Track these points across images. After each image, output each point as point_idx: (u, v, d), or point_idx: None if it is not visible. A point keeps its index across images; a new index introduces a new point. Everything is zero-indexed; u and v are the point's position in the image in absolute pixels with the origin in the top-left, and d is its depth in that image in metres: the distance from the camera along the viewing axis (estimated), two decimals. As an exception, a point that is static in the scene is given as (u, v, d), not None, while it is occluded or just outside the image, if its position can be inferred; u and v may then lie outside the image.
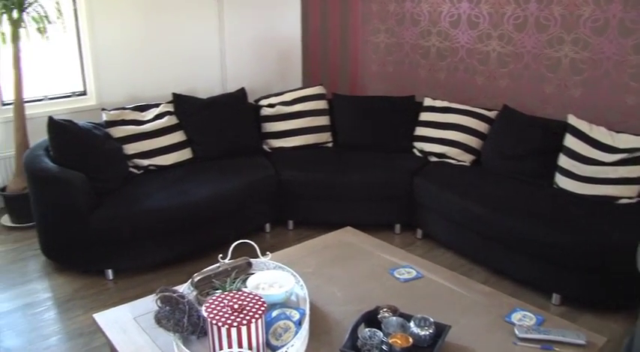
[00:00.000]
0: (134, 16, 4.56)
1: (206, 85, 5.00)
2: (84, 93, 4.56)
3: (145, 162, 3.79)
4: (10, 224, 3.99)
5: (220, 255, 2.41)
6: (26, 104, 4.13)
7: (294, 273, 2.25)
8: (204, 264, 3.39)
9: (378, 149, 4.22)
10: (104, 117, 3.78)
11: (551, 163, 3.51)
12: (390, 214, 3.89)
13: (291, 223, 4.00)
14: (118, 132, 3.75)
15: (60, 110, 4.38)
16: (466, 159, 3.91)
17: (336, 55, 5.34)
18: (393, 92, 4.92)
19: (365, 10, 4.98)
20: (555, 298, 3.06)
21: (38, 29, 3.75)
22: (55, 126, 3.34)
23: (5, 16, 3.61)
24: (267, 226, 3.95)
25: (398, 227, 3.92)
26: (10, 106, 4.03)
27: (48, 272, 3.40)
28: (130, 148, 3.76)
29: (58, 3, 3.83)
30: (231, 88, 4.95)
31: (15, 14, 3.63)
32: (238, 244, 2.45)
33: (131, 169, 3.75)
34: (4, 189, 4.03)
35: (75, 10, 4.33)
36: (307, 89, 4.47)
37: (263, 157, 4.09)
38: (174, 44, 4.80)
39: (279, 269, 2.30)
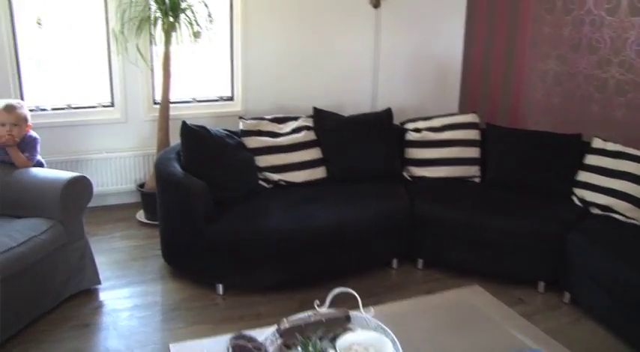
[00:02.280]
0: (288, 26, 4.50)
1: (354, 101, 4.79)
2: (231, 99, 4.59)
3: (276, 176, 3.65)
4: (143, 219, 4.09)
5: (317, 301, 2.13)
6: (174, 105, 4.24)
7: (396, 340, 1.90)
8: (317, 294, 3.09)
9: (531, 191, 3.66)
10: (241, 125, 3.71)
11: None
12: (535, 269, 3.34)
13: (420, 262, 3.61)
14: (252, 142, 3.66)
15: (206, 113, 4.44)
16: (637, 216, 3.24)
17: (497, 81, 4.83)
18: (556, 128, 4.28)
19: (535, 32, 4.43)
20: None
21: (192, 34, 3.76)
22: (187, 130, 3.32)
23: (160, 20, 3.67)
24: (395, 262, 3.60)
25: (542, 285, 3.35)
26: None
27: (163, 275, 3.37)
28: (263, 160, 3.64)
29: (209, 11, 3.80)
30: (381, 106, 4.66)
31: (169, 18, 3.68)
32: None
33: (261, 182, 3.63)
34: (142, 185, 4.13)
35: (231, 18, 4.36)
36: (459, 116, 4.06)
37: (401, 185, 3.75)
38: (325, 56, 4.67)
39: (380, 331, 1.96)
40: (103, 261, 3.46)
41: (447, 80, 5.13)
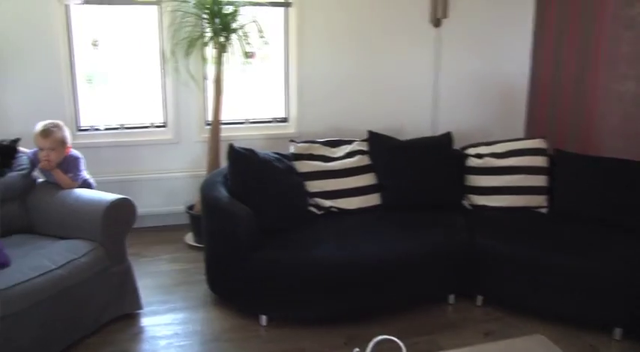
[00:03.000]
0: (344, 46, 4.40)
1: (413, 124, 4.60)
2: (285, 121, 4.50)
3: (327, 202, 3.49)
4: (192, 242, 4.01)
5: (357, 350, 1.93)
6: (226, 126, 4.19)
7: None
8: (364, 331, 2.96)
9: (604, 225, 3.34)
10: (292, 149, 3.60)
11: None
12: (611, 313, 3.00)
13: (480, 299, 3.34)
14: (303, 166, 3.53)
15: (258, 135, 4.37)
16: None
17: (567, 103, 4.51)
18: (637, 155, 3.92)
19: (612, 51, 4.10)
20: None
21: (244, 54, 3.69)
22: (234, 154, 3.22)
23: (211, 40, 3.62)
24: (451, 297, 3.35)
25: (618, 332, 3.01)
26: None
27: (206, 302, 3.26)
28: (314, 186, 3.50)
29: (261, 31, 3.72)
30: (442, 130, 4.43)
31: (221, 38, 3.62)
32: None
33: (311, 208, 3.48)
34: (192, 207, 4.06)
35: (286, 38, 4.29)
36: (525, 141, 3.79)
37: (460, 215, 3.51)
38: (383, 77, 4.53)
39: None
40: (147, 285, 3.40)
41: (512, 103, 4.85)
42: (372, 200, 3.59)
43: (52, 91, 3.90)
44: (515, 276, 3.16)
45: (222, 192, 3.16)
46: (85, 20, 3.95)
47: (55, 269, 2.59)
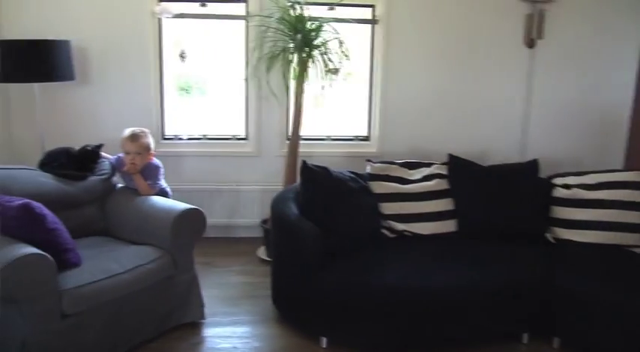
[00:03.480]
0: (431, 66, 4.30)
1: (499, 150, 4.39)
2: (367, 139, 4.45)
3: (401, 226, 3.39)
4: (263, 256, 4.02)
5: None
6: (307, 142, 4.22)
7: None
8: (427, 363, 2.82)
9: None
10: (368, 169, 3.52)
11: None
12: None
13: (557, 341, 3.08)
14: (378, 187, 3.44)
15: (338, 153, 4.35)
16: None
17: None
18: None
19: None
20: None
21: (326, 71, 3.67)
22: (306, 171, 3.19)
23: (294, 56, 3.64)
24: (525, 337, 3.11)
25: None
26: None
27: (269, 318, 3.24)
28: (388, 208, 3.40)
29: (344, 48, 3.69)
30: (529, 156, 4.19)
31: (303, 54, 3.63)
32: None
33: (383, 231, 3.39)
34: (265, 221, 4.08)
35: (371, 56, 4.25)
36: (621, 173, 3.49)
37: (542, 249, 3.28)
38: (469, 100, 4.37)
39: None
40: (213, 295, 3.44)
41: (610, 132, 4.50)
42: (448, 226, 3.44)
43: (141, 101, 4.10)
44: (597, 320, 2.88)
45: (292, 209, 3.13)
46: (174, 33, 4.11)
47: (122, 273, 2.66)
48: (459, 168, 3.58)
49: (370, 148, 4.40)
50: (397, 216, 3.40)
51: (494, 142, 4.41)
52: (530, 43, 4.24)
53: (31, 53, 3.43)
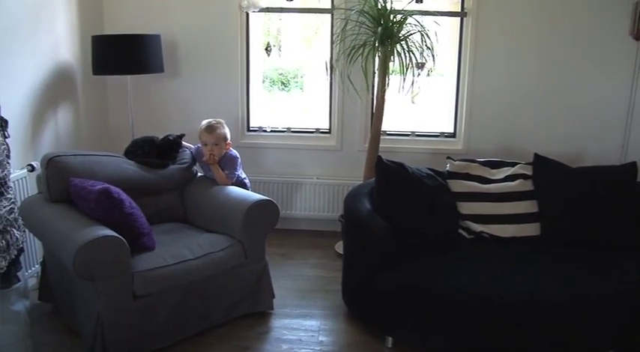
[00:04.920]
0: (524, 59, 4.11)
1: (597, 151, 4.11)
2: (453, 136, 4.33)
3: (479, 227, 3.27)
4: (340, 251, 4.02)
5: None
6: (390, 137, 4.24)
7: None
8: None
9: None
10: (448, 166, 3.44)
11: None
12: None
13: (647, 361, 2.86)
14: (457, 186, 3.35)
15: (422, 149, 4.30)
16: None
17: None
18: None
19: None
20: None
21: (409, 64, 3.61)
22: (381, 166, 3.16)
23: (375, 49, 3.61)
24: (611, 354, 2.91)
25: None
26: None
27: (337, 314, 3.25)
28: (466, 208, 3.30)
29: (429, 41, 3.60)
30: (629, 159, 3.89)
31: (386, 46, 3.59)
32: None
33: (461, 231, 3.29)
34: (344, 215, 4.09)
35: (459, 49, 4.13)
36: None
37: (634, 260, 3.04)
38: (565, 97, 4.13)
39: None
40: (286, 286, 3.51)
41: None
42: (530, 230, 3.27)
43: (227, 93, 4.25)
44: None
45: (365, 205, 3.12)
46: (260, 26, 4.22)
47: (192, 259, 2.78)
48: (546, 169, 3.39)
49: (456, 145, 4.29)
50: (476, 216, 3.28)
51: (591, 143, 4.13)
52: (638, 35, 3.91)
53: (124, 47, 3.65)
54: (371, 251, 2.93)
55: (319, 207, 4.38)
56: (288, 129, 4.40)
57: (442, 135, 4.36)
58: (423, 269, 2.89)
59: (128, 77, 3.88)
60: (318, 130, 4.40)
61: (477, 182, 3.37)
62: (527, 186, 3.35)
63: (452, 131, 4.34)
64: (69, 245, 2.45)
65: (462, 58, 4.15)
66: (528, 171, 3.40)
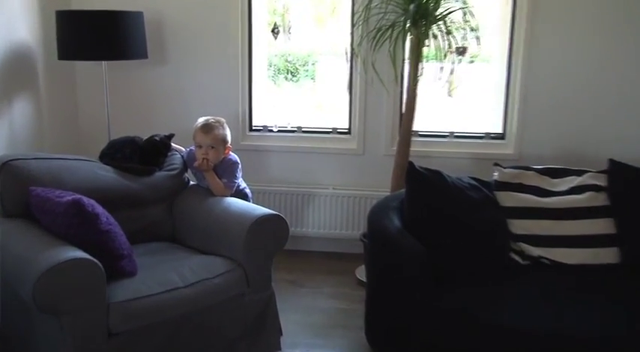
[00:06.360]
0: (588, 48, 4.09)
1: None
2: (502, 137, 4.31)
3: (536, 251, 3.19)
4: (362, 278, 4.00)
5: None
6: (424, 139, 4.24)
7: None
8: None
9: None
10: (495, 175, 3.38)
11: None
12: None
13: None
14: (507, 199, 3.29)
15: (464, 153, 4.30)
16: None
17: None
18: None
19: None
20: None
21: (450, 50, 3.56)
22: (413, 175, 3.11)
23: (405, 31, 3.58)
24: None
25: None
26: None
27: (357, 353, 3.22)
28: (520, 226, 3.23)
29: (472, 22, 3.54)
30: None
31: (419, 28, 3.54)
32: None
33: (513, 255, 3.21)
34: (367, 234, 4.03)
35: (511, 35, 4.09)
36: None
37: None
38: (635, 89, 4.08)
39: None
40: (297, 321, 3.48)
41: None
42: (606, 256, 3.19)
43: (226, 83, 4.26)
44: None
45: (394, 221, 3.06)
46: (265, 3, 4.22)
47: (183, 287, 2.70)
48: (625, 179, 3.33)
49: (505, 149, 4.27)
50: (532, 237, 3.21)
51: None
52: None
53: (98, 26, 3.59)
54: (402, 278, 2.88)
55: (336, 224, 4.36)
56: (299, 129, 4.38)
57: (488, 136, 4.33)
58: (467, 300, 2.81)
59: (103, 63, 3.86)
60: (335, 130, 4.39)
61: (533, 194, 3.31)
62: (600, 200, 3.27)
63: (500, 131, 4.32)
64: (28, 270, 2.38)
65: (515, 40, 4.12)
66: (601, 181, 3.33)
